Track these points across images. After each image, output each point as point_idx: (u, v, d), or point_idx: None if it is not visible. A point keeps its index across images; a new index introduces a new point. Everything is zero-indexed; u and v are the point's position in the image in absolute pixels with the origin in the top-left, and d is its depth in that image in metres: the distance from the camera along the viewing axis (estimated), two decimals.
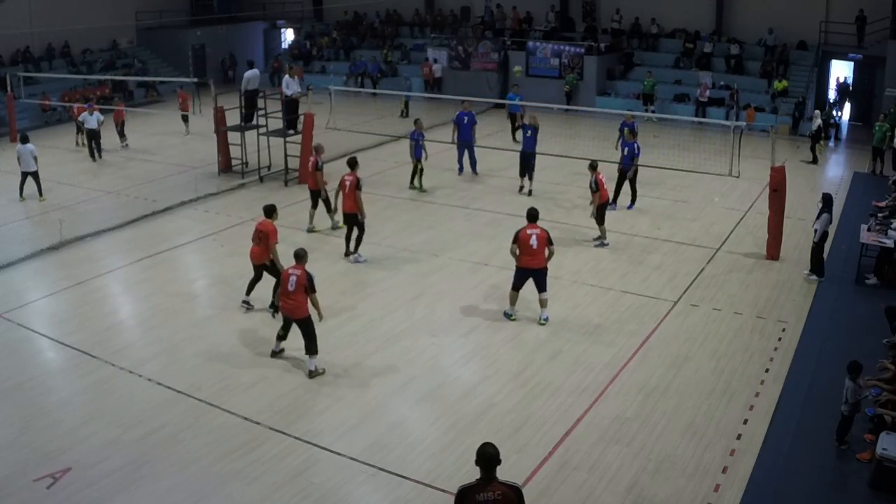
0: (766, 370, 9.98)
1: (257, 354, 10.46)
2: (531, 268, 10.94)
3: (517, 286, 11.17)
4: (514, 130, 21.47)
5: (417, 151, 17.58)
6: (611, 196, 15.59)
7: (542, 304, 11.22)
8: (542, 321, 11.24)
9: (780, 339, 10.81)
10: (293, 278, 9.68)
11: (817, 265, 12.90)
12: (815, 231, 12.68)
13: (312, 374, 9.86)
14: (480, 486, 5.59)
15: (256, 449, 8.39)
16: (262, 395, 9.45)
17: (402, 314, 11.59)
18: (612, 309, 11.76)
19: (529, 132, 17.30)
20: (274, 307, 11.33)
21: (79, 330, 11.24)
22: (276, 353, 10.37)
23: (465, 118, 18.59)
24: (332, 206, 14.43)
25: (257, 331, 11.13)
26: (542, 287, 11.11)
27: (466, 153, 18.98)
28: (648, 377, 9.79)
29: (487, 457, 5.59)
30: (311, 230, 15.16)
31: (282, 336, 10.26)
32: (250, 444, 8.48)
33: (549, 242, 10.88)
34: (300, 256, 9.96)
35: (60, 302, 12.39)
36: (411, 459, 8.20)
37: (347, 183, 13.34)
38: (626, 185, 16.45)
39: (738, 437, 8.55)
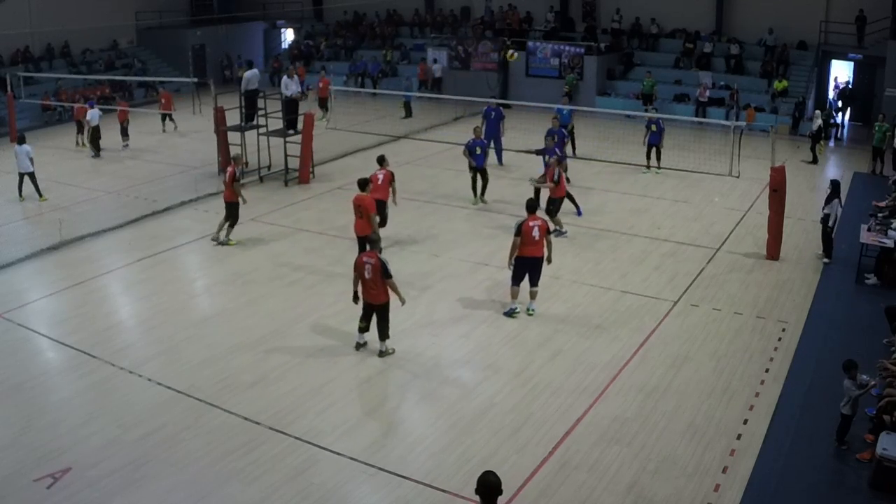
0: (766, 370, 9.98)
1: (257, 354, 10.46)
2: (532, 256, 11.20)
3: (517, 280, 11.36)
4: (572, 143, 20.18)
5: (478, 160, 16.61)
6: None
7: (533, 296, 11.51)
8: (531, 311, 11.49)
9: (780, 339, 10.81)
10: (368, 266, 9.84)
11: (828, 247, 13.55)
12: (827, 216, 13.33)
13: (382, 354, 10.24)
14: None
15: (256, 449, 8.38)
16: (262, 395, 9.44)
17: (403, 314, 11.53)
18: (612, 309, 11.75)
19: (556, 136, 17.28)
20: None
21: (79, 330, 11.23)
22: (361, 346, 10.46)
23: (493, 112, 19.14)
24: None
25: (257, 331, 11.13)
26: (535, 281, 11.40)
27: (493, 145, 19.09)
28: (648, 377, 9.78)
29: (489, 486, 5.34)
30: (223, 243, 14.57)
31: (364, 328, 10.35)
32: (250, 444, 8.47)
33: (548, 232, 11.31)
34: (374, 242, 10.16)
35: (60, 302, 12.39)
36: (411, 459, 8.20)
37: (381, 177, 13.73)
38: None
39: (738, 437, 8.54)
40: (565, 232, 14.55)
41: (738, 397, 9.32)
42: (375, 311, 10.11)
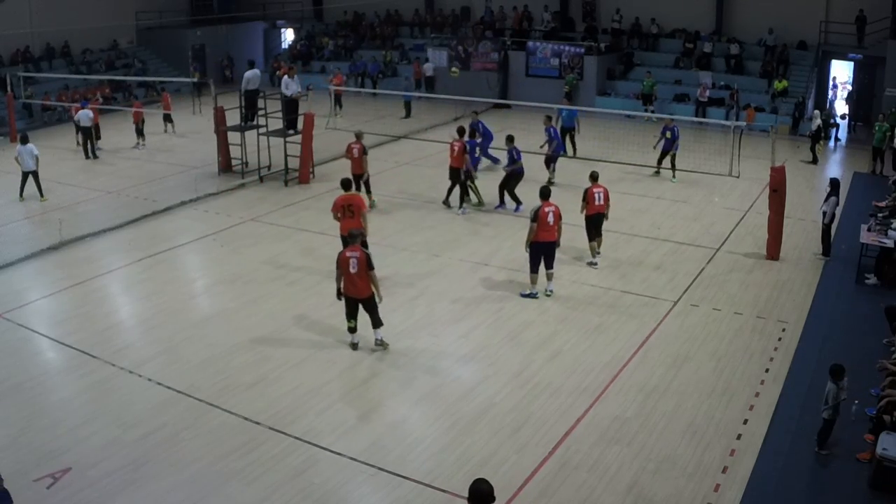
0: (766, 370, 9.98)
1: (257, 354, 10.46)
2: (547, 241, 11.78)
3: (536, 266, 11.91)
4: (573, 144, 20.06)
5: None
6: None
7: (549, 277, 12.09)
8: (549, 293, 12.08)
9: (780, 339, 10.81)
10: (353, 260, 10.00)
11: (826, 246, 13.61)
12: (824, 213, 13.42)
13: (378, 343, 10.42)
14: None
15: (256, 449, 8.39)
16: (262, 395, 9.44)
17: (403, 314, 11.58)
18: (612, 309, 11.75)
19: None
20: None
21: (79, 330, 11.23)
22: (356, 345, 10.54)
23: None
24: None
25: (257, 331, 11.13)
26: (550, 264, 12.00)
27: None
28: (648, 377, 9.79)
29: (480, 494, 5.25)
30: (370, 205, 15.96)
31: (353, 328, 10.46)
32: (250, 444, 8.48)
33: (560, 218, 11.87)
34: (355, 236, 10.32)
35: (60, 302, 12.38)
36: (411, 459, 8.20)
37: (456, 147, 15.61)
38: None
39: (738, 437, 8.55)
40: (594, 262, 13.53)
41: (738, 397, 9.32)
42: (362, 304, 10.24)
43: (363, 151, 15.93)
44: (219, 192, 18.00)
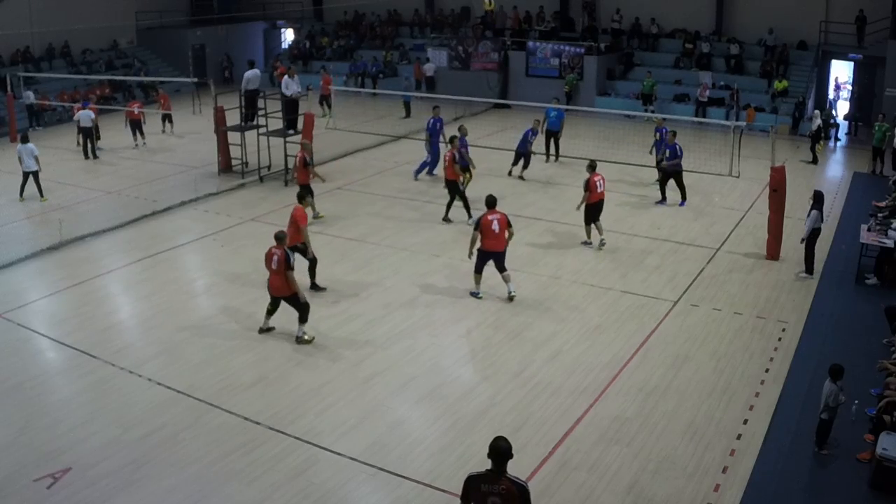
0: (766, 370, 9.98)
1: (257, 354, 10.46)
2: (494, 250, 11.77)
3: (480, 268, 11.98)
4: (548, 152, 20.32)
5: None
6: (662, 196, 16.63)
7: (507, 280, 11.97)
8: (512, 295, 11.94)
9: (780, 339, 10.81)
10: (275, 257, 10.41)
11: (808, 262, 12.95)
12: (814, 229, 12.71)
13: (299, 341, 10.64)
14: (488, 478, 5.66)
15: (256, 449, 8.39)
16: (262, 395, 9.45)
17: (402, 314, 11.59)
18: (612, 309, 11.75)
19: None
20: (314, 286, 12.28)
21: (79, 330, 11.23)
22: (265, 330, 10.96)
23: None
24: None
25: (258, 331, 11.13)
26: (502, 267, 11.91)
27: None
28: (648, 377, 9.79)
29: (499, 451, 5.65)
30: (315, 216, 15.79)
31: (270, 311, 10.90)
32: (250, 444, 8.48)
33: (509, 225, 11.74)
34: (280, 239, 10.66)
35: (60, 302, 12.38)
36: (411, 459, 8.20)
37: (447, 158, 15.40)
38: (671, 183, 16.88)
39: (738, 437, 8.55)
40: (590, 243, 14.21)
41: (738, 397, 9.32)
42: (286, 301, 10.60)
43: (304, 162, 15.26)
44: (219, 192, 17.99)
